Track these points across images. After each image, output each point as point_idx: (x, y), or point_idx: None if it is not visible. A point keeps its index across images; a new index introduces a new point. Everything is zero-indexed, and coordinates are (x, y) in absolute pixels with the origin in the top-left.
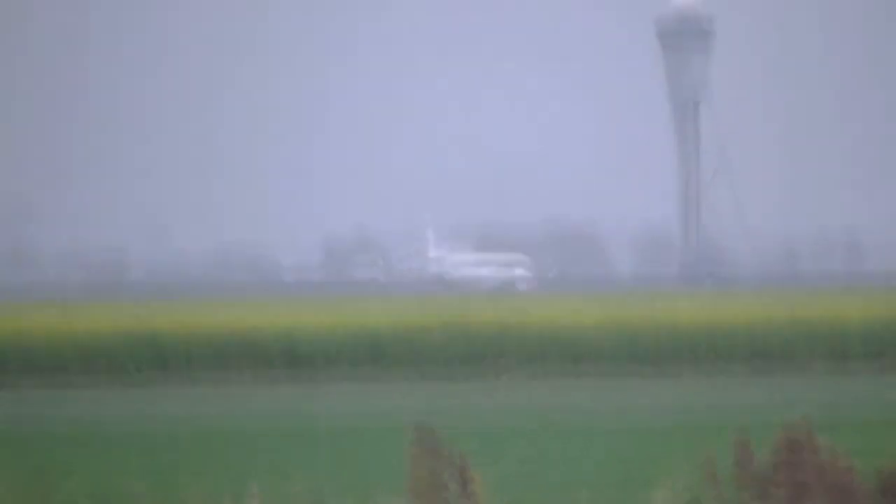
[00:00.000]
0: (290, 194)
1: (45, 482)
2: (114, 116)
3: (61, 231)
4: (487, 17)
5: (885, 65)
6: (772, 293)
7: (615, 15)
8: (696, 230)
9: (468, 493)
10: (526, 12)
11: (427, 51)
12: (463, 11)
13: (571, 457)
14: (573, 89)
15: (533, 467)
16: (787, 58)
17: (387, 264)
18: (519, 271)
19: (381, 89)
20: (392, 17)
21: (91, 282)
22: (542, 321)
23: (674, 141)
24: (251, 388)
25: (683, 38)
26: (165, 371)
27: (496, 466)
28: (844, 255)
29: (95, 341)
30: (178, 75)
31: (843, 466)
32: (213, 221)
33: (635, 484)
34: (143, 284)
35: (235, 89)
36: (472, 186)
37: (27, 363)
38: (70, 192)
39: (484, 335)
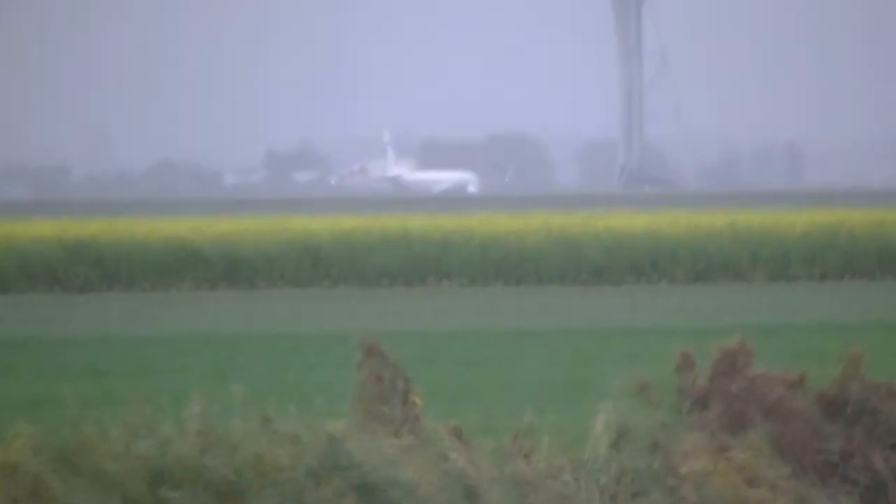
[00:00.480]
0: (235, 107)
1: None
2: (56, 28)
3: (3, 147)
4: None
5: None
6: (713, 201)
7: None
8: (639, 137)
9: (408, 402)
10: None
11: None
12: None
13: (507, 358)
14: (517, 5)
15: (474, 370)
16: None
17: (332, 177)
18: (470, 187)
19: (334, 8)
20: None
21: (34, 197)
22: (484, 232)
23: (616, 47)
24: (192, 297)
25: None
26: (108, 282)
27: (434, 368)
28: (784, 164)
29: (37, 254)
30: None
31: (777, 380)
32: (157, 135)
33: (574, 382)
34: (86, 199)
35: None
36: (422, 106)
37: None
38: (12, 109)
39: (427, 246)
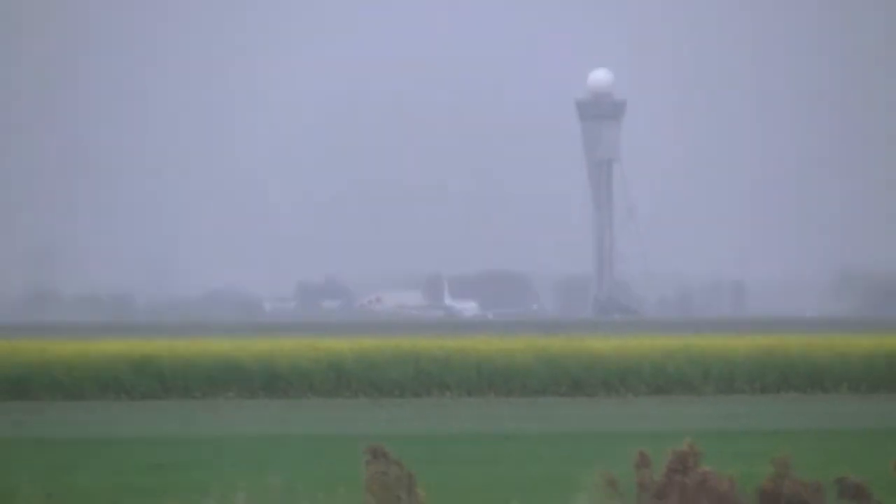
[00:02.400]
0: (268, 241)
1: (69, 477)
2: (117, 176)
3: (80, 276)
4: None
5: (771, 139)
6: (670, 327)
7: (541, 90)
8: (609, 273)
9: (412, 493)
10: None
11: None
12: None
13: (499, 458)
14: (507, 161)
15: (470, 468)
16: (687, 126)
17: (351, 306)
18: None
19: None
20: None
21: (105, 320)
22: (480, 351)
23: (590, 197)
24: (236, 404)
25: (599, 108)
26: (166, 392)
27: (438, 466)
28: (730, 296)
29: (108, 368)
30: (171, 135)
31: (723, 478)
32: (206, 266)
33: (554, 478)
34: (148, 323)
35: (211, 158)
36: (426, 246)
37: (50, 386)
38: (85, 242)
39: (432, 363)
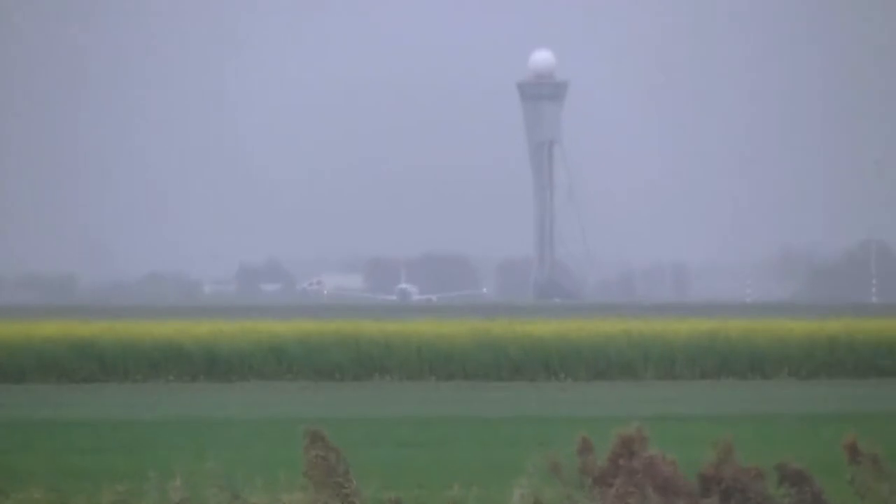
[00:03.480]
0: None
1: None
2: (63, 146)
3: (18, 258)
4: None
5: (715, 120)
6: (611, 311)
7: (483, 72)
8: (549, 256)
9: (348, 477)
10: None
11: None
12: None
13: (439, 441)
14: (448, 143)
15: (411, 451)
16: (631, 108)
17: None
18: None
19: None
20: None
21: (44, 302)
22: (420, 335)
23: (531, 178)
24: (177, 387)
25: (541, 89)
26: (107, 375)
27: (378, 449)
28: (671, 280)
29: (49, 350)
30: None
31: (667, 460)
32: (147, 248)
33: (496, 462)
34: (89, 305)
35: (152, 141)
36: (367, 228)
37: None
38: (25, 223)
39: (373, 346)
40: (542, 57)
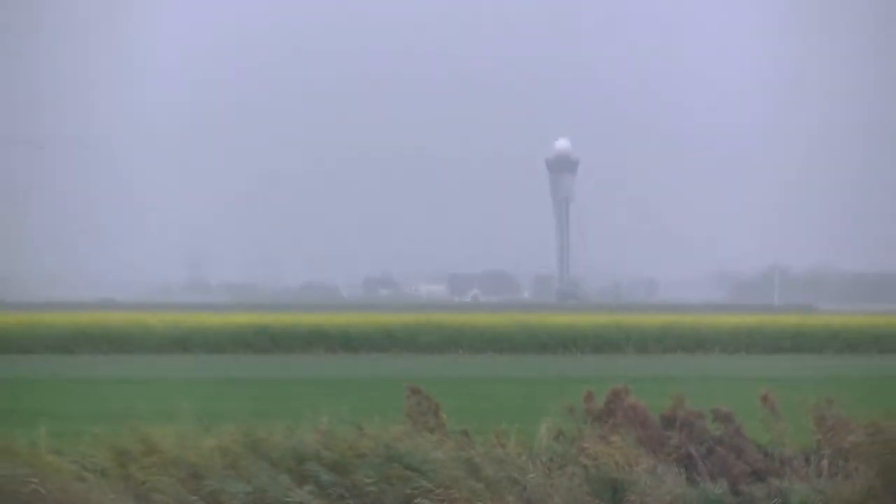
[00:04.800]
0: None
1: None
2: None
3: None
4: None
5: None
6: (608, 309)
7: (518, 153)
8: (566, 273)
9: (438, 417)
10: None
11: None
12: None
13: (496, 395)
14: (498, 200)
15: (479, 400)
16: (623, 179)
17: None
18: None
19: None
20: None
21: None
22: (484, 324)
23: (554, 222)
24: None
25: (561, 164)
26: (276, 347)
27: (454, 399)
28: (646, 289)
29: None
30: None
31: (641, 406)
32: (302, 262)
33: (533, 407)
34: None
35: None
36: (441, 246)
37: None
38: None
39: (451, 331)
40: (561, 144)
